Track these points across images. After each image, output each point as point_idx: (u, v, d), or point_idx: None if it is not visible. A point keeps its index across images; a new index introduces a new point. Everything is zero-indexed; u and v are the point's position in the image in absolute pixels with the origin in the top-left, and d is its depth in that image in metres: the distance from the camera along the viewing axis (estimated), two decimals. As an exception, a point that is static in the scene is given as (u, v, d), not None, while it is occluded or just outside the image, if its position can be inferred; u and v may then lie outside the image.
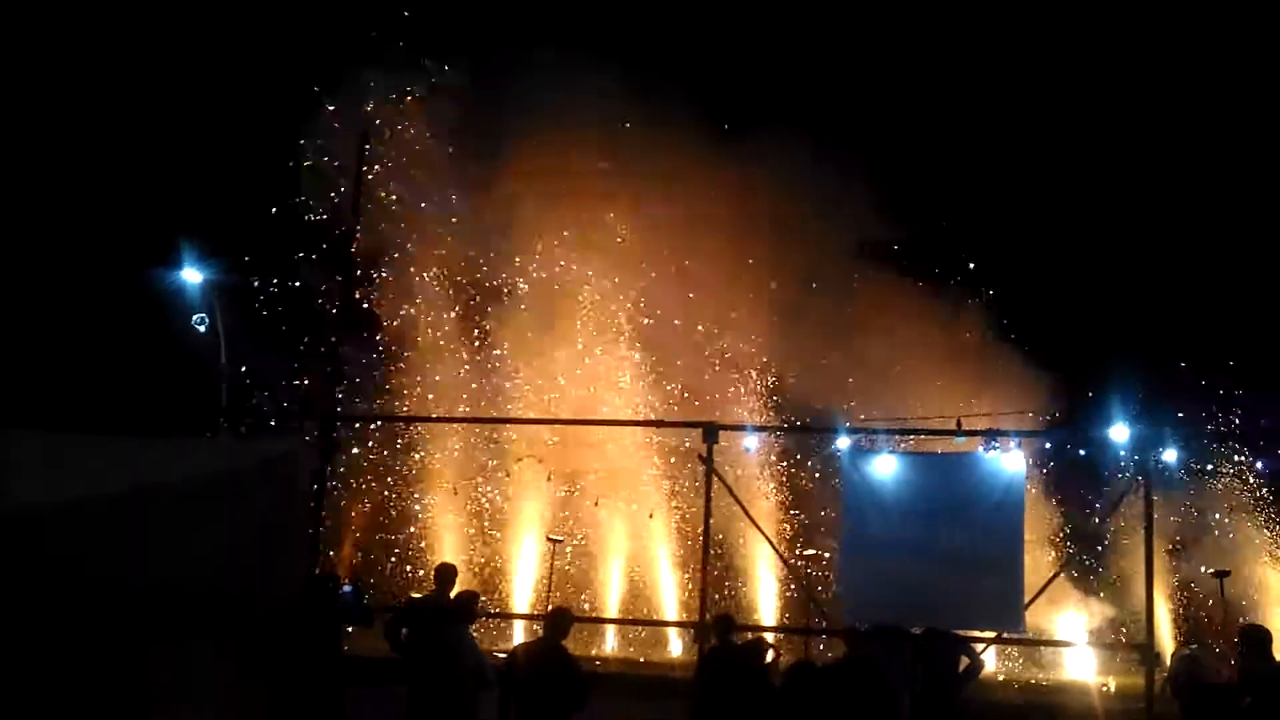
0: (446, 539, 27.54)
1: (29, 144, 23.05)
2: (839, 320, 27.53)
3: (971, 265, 29.25)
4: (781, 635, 19.72)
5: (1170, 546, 25.21)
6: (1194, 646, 8.03)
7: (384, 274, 26.85)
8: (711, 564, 15.24)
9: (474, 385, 27.70)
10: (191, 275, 20.49)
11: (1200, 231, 28.75)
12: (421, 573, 27.02)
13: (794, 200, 27.23)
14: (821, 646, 16.62)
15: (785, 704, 4.73)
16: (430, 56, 26.38)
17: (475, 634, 9.23)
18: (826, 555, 25.57)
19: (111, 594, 5.91)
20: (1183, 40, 29.60)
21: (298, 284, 25.34)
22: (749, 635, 10.61)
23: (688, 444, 23.20)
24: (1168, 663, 21.56)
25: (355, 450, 25.95)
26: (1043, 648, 24.53)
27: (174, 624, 6.10)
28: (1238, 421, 25.19)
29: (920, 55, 30.49)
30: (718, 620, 9.47)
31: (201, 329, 20.54)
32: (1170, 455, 9.30)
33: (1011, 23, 31.22)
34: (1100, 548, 24.47)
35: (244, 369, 22.81)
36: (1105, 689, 22.73)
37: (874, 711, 3.59)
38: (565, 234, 28.25)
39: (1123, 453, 9.47)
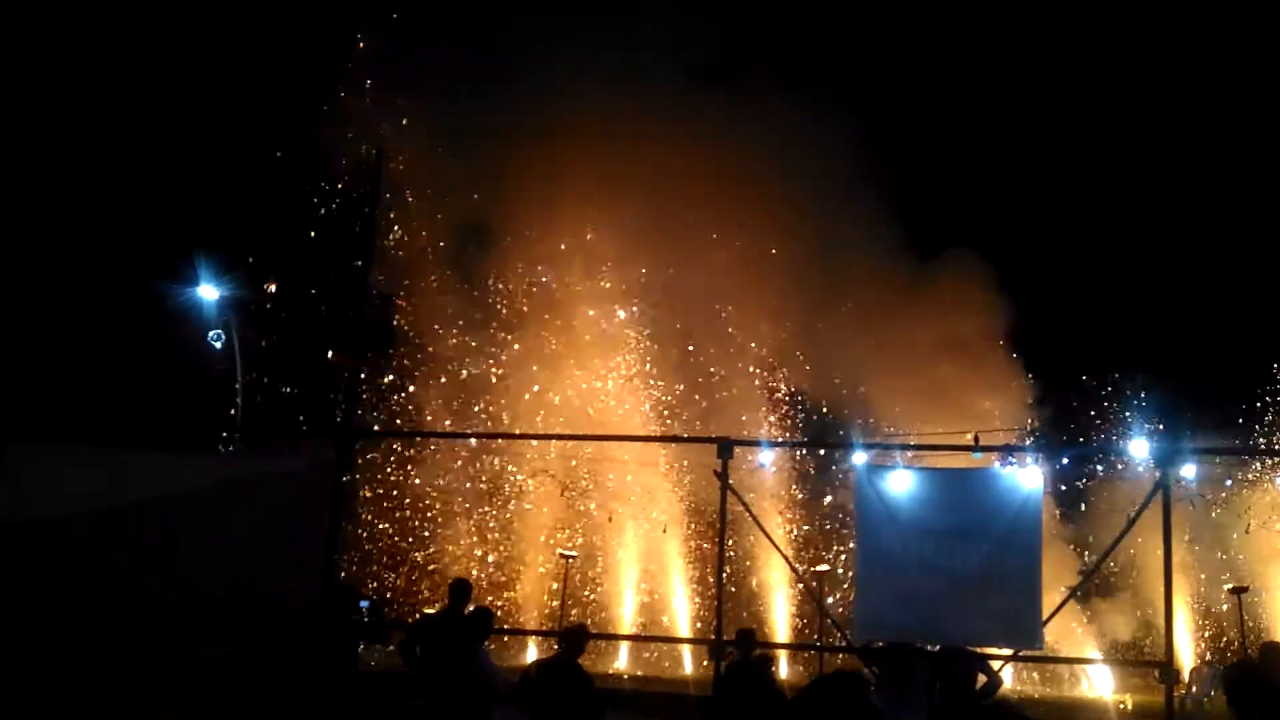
0: (460, 554, 27.53)
1: (46, 162, 23.28)
2: (856, 335, 27.51)
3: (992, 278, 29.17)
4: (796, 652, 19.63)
5: (1190, 563, 25.03)
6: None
7: (400, 292, 26.99)
8: (727, 580, 15.21)
9: (489, 404, 27.76)
10: (208, 292, 20.64)
11: (1220, 244, 28.70)
12: (426, 589, 27.06)
13: (810, 212, 27.23)
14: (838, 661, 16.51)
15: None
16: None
17: (489, 649, 9.21)
18: (840, 570, 25.52)
19: (125, 602, 5.96)
20: (1210, 47, 29.59)
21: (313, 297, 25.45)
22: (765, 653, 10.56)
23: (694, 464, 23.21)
24: (1185, 679, 21.31)
25: (370, 465, 26.02)
26: (1060, 665, 24.34)
27: (186, 631, 6.14)
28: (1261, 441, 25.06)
29: (950, 71, 30.53)
30: (739, 635, 9.42)
31: (218, 345, 20.66)
32: (1189, 471, 9.22)
33: (1031, 30, 31.28)
34: (1116, 565, 24.29)
35: (260, 384, 22.96)
36: (1123, 706, 22.53)
37: None
38: (583, 243, 28.36)
39: (1141, 468, 9.38)
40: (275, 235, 25.55)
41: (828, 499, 27.55)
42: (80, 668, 5.84)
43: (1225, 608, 26.50)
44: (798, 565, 24.41)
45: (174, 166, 24.87)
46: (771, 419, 27.63)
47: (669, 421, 27.51)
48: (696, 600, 26.98)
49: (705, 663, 9.95)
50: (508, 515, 27.76)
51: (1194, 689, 21.48)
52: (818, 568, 25.30)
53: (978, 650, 9.84)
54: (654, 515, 26.74)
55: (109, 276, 22.93)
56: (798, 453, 26.09)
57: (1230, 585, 23.98)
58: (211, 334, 20.06)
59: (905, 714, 9.09)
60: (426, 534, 27.93)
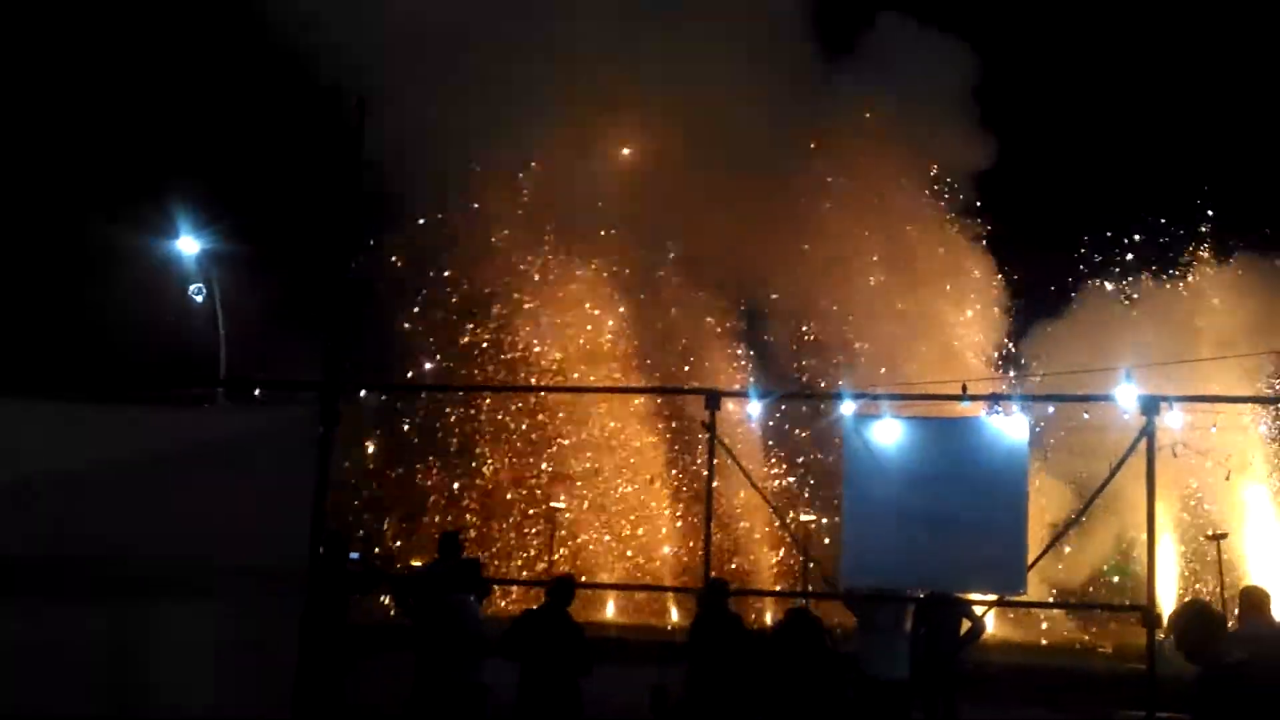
0: (448, 506, 27.62)
1: (18, 107, 22.83)
2: (846, 283, 27.41)
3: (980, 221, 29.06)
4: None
5: (1171, 508, 25.36)
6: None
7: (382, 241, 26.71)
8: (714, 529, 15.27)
9: (478, 351, 27.64)
10: (189, 244, 20.38)
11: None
12: (413, 541, 27.14)
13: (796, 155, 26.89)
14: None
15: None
16: None
17: (478, 601, 9.24)
18: (825, 520, 25.77)
19: (114, 558, 5.92)
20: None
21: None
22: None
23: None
24: (1165, 623, 21.70)
25: (356, 418, 25.95)
26: (1044, 610, 24.72)
27: (176, 589, 6.11)
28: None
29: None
30: (712, 584, 9.43)
31: (199, 299, 20.46)
32: (1174, 418, 9.27)
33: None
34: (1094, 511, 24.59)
35: (243, 337, 22.76)
36: (1103, 649, 22.98)
37: (810, 662, 3.59)
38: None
39: (1126, 415, 9.42)
40: (257, 182, 25.22)
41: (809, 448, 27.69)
42: (66, 624, 5.81)
43: (1181, 547, 27.01)
44: (790, 516, 24.60)
45: (151, 113, 24.43)
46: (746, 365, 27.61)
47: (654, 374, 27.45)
48: (688, 549, 27.21)
49: (696, 609, 10.05)
50: (496, 468, 27.83)
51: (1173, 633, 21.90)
52: (803, 517, 25.53)
53: (962, 596, 9.96)
54: (641, 467, 26.85)
55: (91, 229, 22.61)
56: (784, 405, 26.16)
57: (1210, 532, 24.35)
58: (193, 288, 19.86)
59: (884, 659, 9.23)
60: (414, 487, 27.99)
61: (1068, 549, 25.95)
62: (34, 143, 22.92)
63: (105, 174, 23.49)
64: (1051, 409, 18.18)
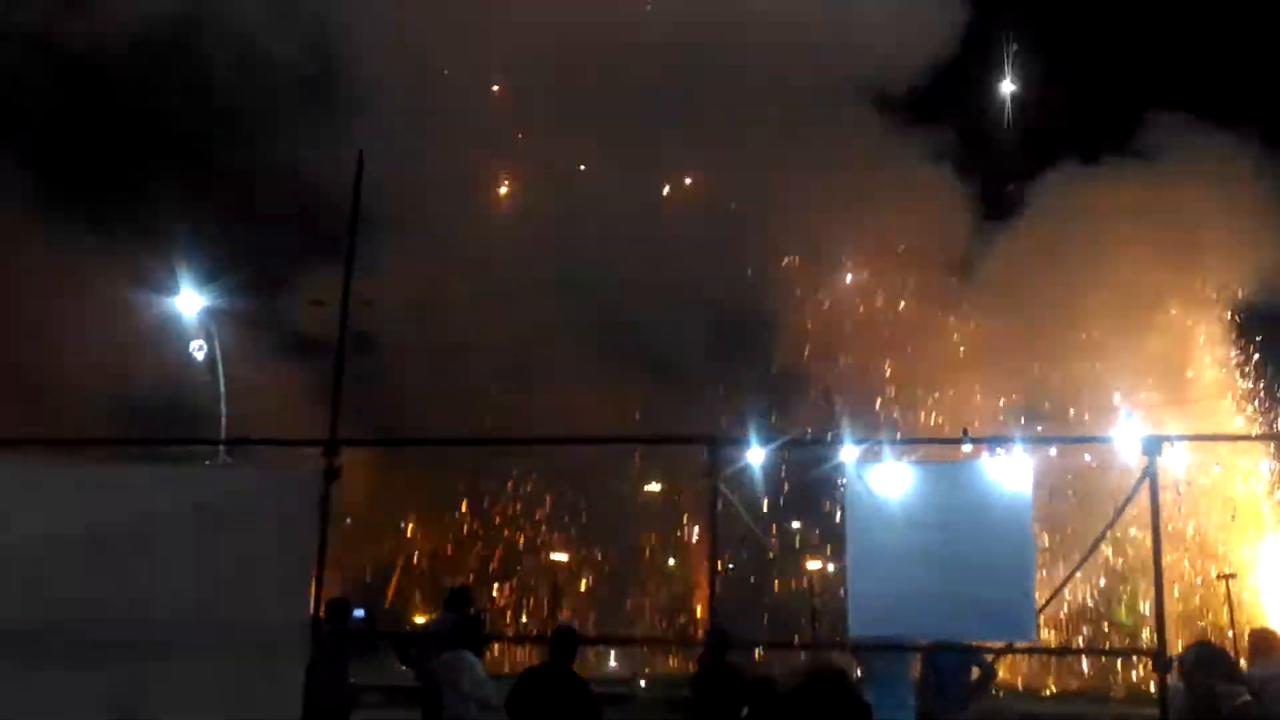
0: (453, 560, 27.42)
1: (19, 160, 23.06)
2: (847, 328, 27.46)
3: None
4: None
5: (1179, 549, 25.14)
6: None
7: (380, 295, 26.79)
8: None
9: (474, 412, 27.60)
10: (189, 302, 20.47)
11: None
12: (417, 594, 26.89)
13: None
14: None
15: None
16: None
17: (480, 657, 9.15)
18: (831, 567, 25.55)
19: (113, 621, 5.88)
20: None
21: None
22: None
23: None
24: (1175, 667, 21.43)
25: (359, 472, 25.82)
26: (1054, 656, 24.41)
27: (176, 650, 6.06)
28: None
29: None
30: (713, 634, 9.28)
31: (199, 356, 20.50)
32: (1176, 458, 9.24)
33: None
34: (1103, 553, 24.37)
35: (243, 394, 22.77)
36: (1113, 693, 22.70)
37: None
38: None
39: (1124, 457, 9.39)
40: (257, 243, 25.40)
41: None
42: (62, 686, 5.76)
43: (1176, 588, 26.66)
44: (794, 564, 24.41)
45: (152, 169, 24.67)
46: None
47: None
48: (693, 600, 26.98)
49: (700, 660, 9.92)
50: (498, 521, 27.69)
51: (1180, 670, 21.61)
52: (810, 564, 25.34)
53: (971, 643, 9.85)
54: (642, 517, 26.68)
55: (91, 284, 22.70)
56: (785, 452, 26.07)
57: (1218, 572, 24.14)
58: (193, 344, 19.89)
59: (891, 710, 9.09)
60: (419, 542, 27.82)
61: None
62: (32, 197, 23.14)
63: (109, 230, 23.67)
64: (1053, 450, 18.08)
